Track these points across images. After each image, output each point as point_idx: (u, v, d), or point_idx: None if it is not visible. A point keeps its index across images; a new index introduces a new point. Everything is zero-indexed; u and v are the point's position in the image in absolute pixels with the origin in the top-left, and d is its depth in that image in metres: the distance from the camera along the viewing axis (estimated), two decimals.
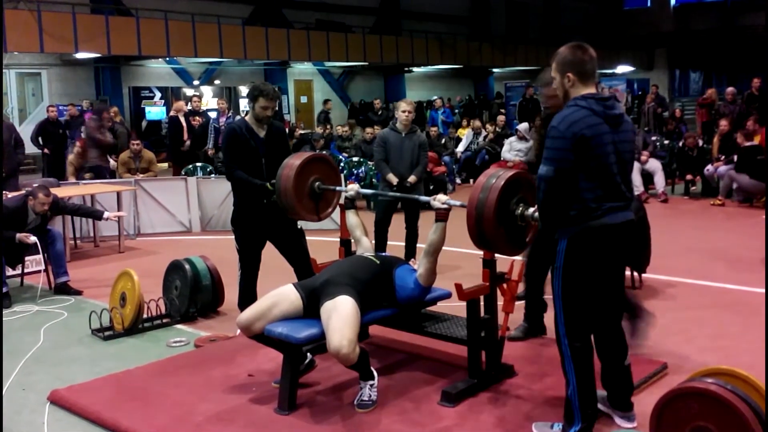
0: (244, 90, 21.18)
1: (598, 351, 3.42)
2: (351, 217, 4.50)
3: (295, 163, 4.43)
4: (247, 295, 4.91)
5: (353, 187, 4.52)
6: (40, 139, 12.44)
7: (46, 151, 12.53)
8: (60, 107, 14.43)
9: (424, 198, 4.38)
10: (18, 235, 6.14)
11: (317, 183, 4.52)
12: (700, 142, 11.25)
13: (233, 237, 5.01)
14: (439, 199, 3.94)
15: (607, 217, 3.13)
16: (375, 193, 5.19)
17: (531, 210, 3.43)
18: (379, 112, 18.04)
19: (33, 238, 6.21)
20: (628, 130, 3.23)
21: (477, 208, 3.38)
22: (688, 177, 10.94)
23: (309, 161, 4.49)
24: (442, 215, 3.91)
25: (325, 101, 20.61)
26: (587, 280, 3.20)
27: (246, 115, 5.06)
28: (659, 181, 10.79)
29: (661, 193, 10.70)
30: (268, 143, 4.88)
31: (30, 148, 12.13)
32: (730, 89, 13.43)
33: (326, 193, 4.61)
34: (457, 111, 21.41)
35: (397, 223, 6.73)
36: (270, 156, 4.85)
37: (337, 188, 4.60)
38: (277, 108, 5.01)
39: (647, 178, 11.00)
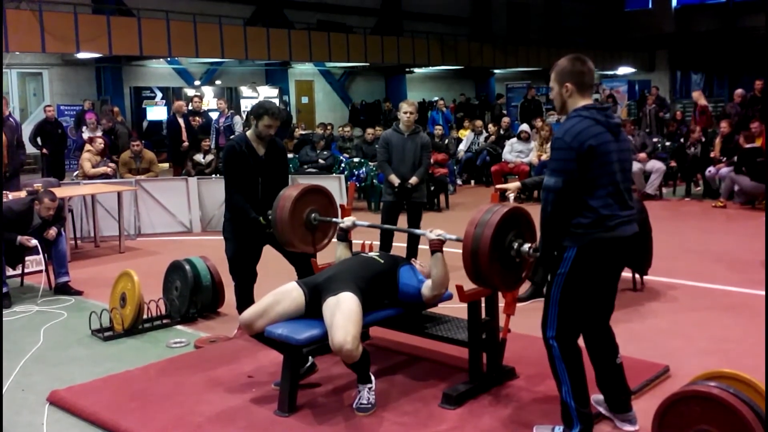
0: (245, 90, 21.18)
1: (590, 352, 3.44)
2: (341, 250, 4.40)
3: (291, 194, 4.42)
4: (245, 301, 4.86)
5: (349, 219, 4.46)
6: (38, 139, 12.43)
7: (44, 151, 12.51)
8: (60, 107, 14.42)
9: (419, 231, 4.35)
10: (19, 238, 6.14)
11: (313, 215, 4.51)
12: (703, 138, 11.28)
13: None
14: (434, 232, 3.92)
15: (619, 230, 3.17)
16: (371, 225, 4.88)
17: (527, 246, 3.43)
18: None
19: (34, 242, 6.22)
20: (627, 140, 3.31)
21: (472, 243, 3.36)
22: (696, 189, 11.01)
23: (305, 193, 4.48)
24: (437, 246, 3.88)
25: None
26: (590, 289, 3.25)
27: (247, 130, 5.05)
28: (654, 181, 10.84)
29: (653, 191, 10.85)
30: (267, 162, 4.88)
31: (31, 149, 12.13)
32: (738, 91, 13.38)
33: (322, 225, 4.59)
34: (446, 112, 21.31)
35: (400, 223, 6.72)
36: (267, 176, 4.86)
37: (333, 220, 4.57)
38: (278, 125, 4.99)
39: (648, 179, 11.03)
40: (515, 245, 3.43)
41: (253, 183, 4.82)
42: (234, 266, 4.96)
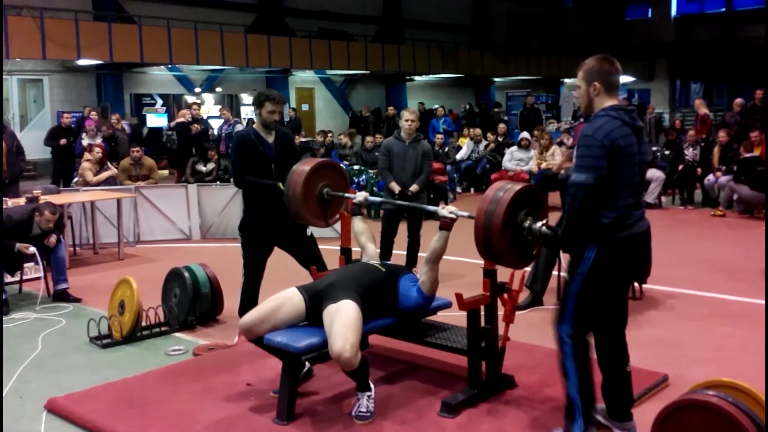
0: (245, 97, 21.21)
1: (601, 358, 3.44)
2: (357, 223, 4.50)
3: (304, 169, 4.46)
4: (249, 302, 4.90)
5: (362, 194, 4.53)
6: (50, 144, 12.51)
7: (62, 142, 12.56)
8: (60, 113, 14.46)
9: (431, 207, 4.39)
10: (18, 245, 6.14)
11: (326, 189, 4.54)
12: (703, 143, 11.28)
13: (234, 245, 5.04)
14: (447, 209, 3.95)
15: (636, 227, 3.23)
16: (384, 201, 5.29)
17: (538, 224, 3.44)
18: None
19: (32, 249, 6.21)
20: (647, 143, 3.36)
21: (485, 220, 3.39)
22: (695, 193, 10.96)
23: (318, 168, 4.51)
24: (447, 224, 3.91)
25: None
26: (610, 287, 3.27)
27: (252, 123, 5.11)
28: (654, 189, 10.83)
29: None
30: (277, 148, 4.96)
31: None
32: (738, 100, 13.39)
33: (334, 200, 4.63)
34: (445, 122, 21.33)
35: (400, 231, 6.72)
36: (279, 160, 4.93)
37: (346, 195, 4.61)
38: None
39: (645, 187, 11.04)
40: (527, 223, 3.45)
41: (266, 169, 4.89)
42: (247, 258, 5.02)
